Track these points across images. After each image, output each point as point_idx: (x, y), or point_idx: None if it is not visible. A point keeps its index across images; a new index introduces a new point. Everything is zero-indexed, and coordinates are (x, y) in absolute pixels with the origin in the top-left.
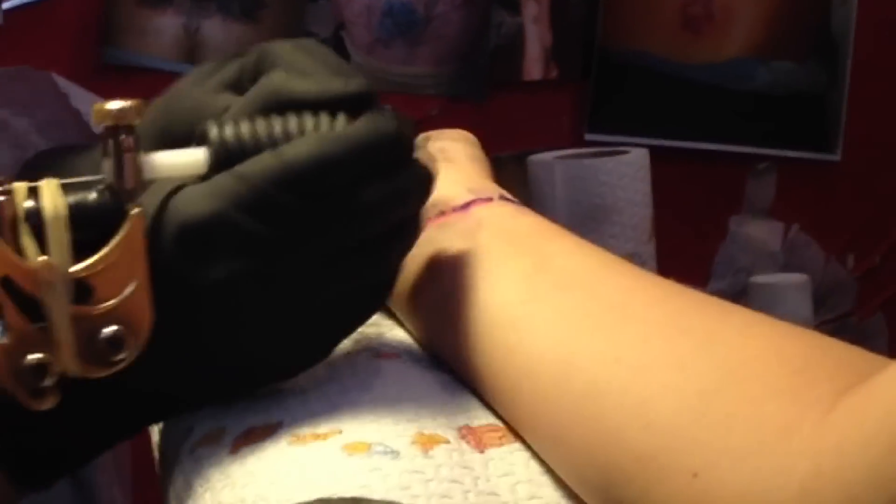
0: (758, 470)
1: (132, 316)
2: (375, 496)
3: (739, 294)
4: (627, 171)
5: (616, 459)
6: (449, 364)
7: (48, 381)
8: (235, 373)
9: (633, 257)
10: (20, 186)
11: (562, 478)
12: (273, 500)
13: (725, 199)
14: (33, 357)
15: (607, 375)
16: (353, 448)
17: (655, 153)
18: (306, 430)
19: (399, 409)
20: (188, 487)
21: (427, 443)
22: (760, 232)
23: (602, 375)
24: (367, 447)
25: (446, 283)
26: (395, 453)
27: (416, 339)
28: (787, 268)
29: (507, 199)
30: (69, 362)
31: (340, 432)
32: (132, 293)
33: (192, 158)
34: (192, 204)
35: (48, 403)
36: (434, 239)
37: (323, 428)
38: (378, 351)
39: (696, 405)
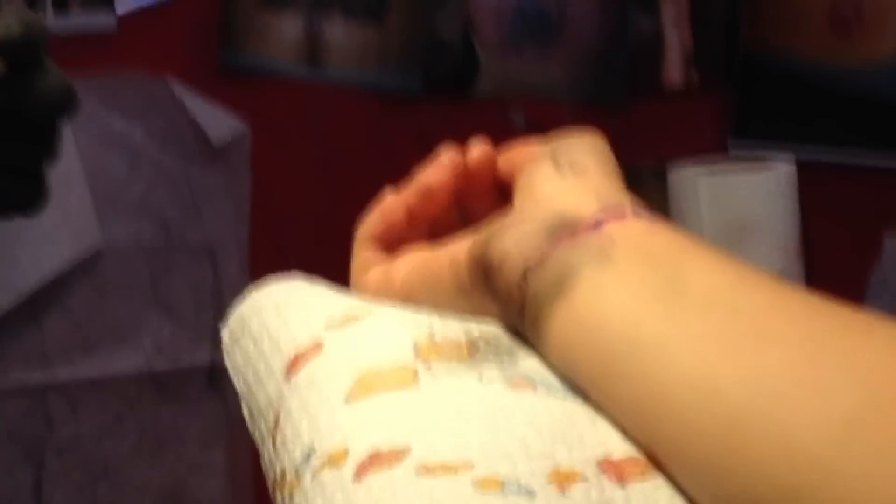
0: None
1: None
2: None
3: None
4: (774, 186)
5: (762, 493)
6: (585, 392)
7: None
8: None
9: (781, 276)
10: None
11: None
12: None
13: (880, 214)
14: None
15: (749, 403)
16: (485, 485)
17: (804, 165)
18: (435, 460)
19: (533, 443)
20: None
21: (564, 480)
22: None
23: (744, 403)
24: (500, 485)
25: (580, 306)
26: (530, 493)
27: (550, 366)
28: None
29: (642, 214)
30: None
31: (472, 466)
32: None
33: None
34: None
35: None
36: (566, 261)
37: (453, 458)
38: (511, 380)
39: (840, 436)
